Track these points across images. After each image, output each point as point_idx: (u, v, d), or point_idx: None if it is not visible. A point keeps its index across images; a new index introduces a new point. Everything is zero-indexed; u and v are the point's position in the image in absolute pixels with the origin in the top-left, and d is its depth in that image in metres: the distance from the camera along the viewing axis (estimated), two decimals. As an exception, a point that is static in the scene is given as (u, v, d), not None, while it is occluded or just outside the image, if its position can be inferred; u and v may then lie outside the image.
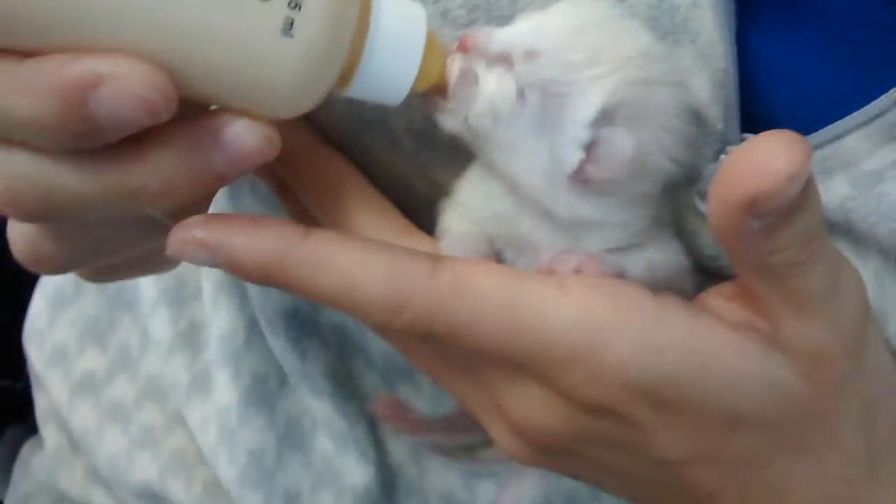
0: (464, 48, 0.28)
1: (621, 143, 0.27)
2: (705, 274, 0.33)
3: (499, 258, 0.31)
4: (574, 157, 0.27)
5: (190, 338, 0.50)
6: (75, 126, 0.23)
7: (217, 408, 0.47)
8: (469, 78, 0.28)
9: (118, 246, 0.32)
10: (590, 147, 0.27)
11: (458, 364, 0.31)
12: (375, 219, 0.33)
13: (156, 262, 0.36)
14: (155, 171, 0.25)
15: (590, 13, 0.28)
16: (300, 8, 0.24)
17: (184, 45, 0.23)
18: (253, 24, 0.24)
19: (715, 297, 0.29)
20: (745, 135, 0.30)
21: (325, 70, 0.25)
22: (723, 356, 0.27)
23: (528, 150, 0.28)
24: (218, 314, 0.48)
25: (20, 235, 0.30)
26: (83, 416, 0.52)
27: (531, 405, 0.28)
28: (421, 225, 0.33)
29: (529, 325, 0.27)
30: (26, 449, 0.57)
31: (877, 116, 0.28)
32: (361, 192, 0.33)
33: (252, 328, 0.47)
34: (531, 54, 0.27)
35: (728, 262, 0.33)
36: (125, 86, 0.23)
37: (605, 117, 0.27)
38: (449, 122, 0.29)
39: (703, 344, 0.27)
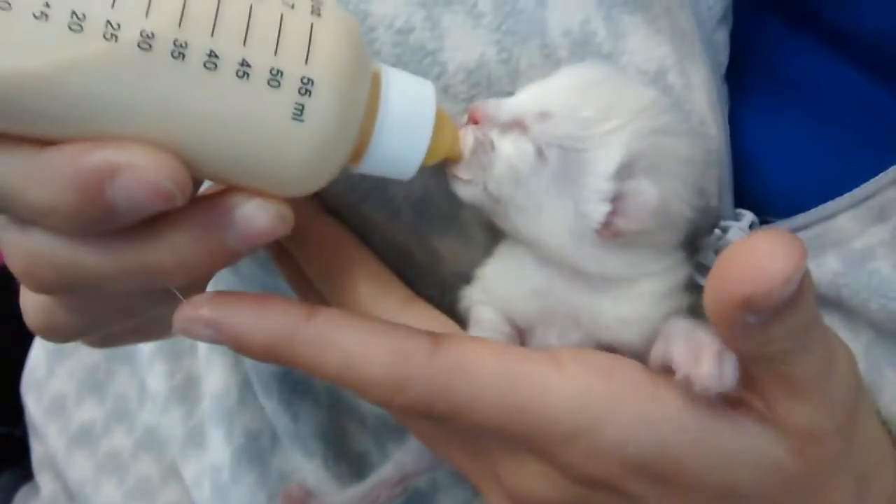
0: (474, 120, 0.29)
1: (647, 193, 0.28)
2: None
3: (523, 339, 0.32)
4: (599, 211, 0.28)
5: (186, 391, 0.51)
6: (92, 213, 0.24)
7: (210, 464, 0.48)
8: (485, 146, 0.29)
9: (129, 314, 0.33)
10: (614, 200, 0.28)
11: (458, 436, 0.31)
12: (376, 288, 0.33)
13: (159, 328, 0.37)
14: (170, 250, 0.26)
15: (592, 74, 0.29)
16: (311, 94, 0.25)
17: (196, 133, 0.24)
18: (264, 110, 0.24)
19: None
20: (739, 210, 0.31)
21: (335, 151, 0.26)
22: (718, 432, 0.27)
23: (552, 210, 0.28)
24: (212, 371, 0.49)
25: (34, 306, 0.31)
26: (80, 466, 0.52)
27: (530, 477, 0.29)
28: (420, 292, 0.34)
29: (529, 405, 0.27)
30: (21, 496, 0.58)
31: (867, 198, 0.29)
32: (362, 261, 0.34)
33: (245, 386, 0.48)
34: (543, 115, 0.28)
35: None
36: (141, 175, 0.23)
37: (626, 169, 0.27)
38: (467, 192, 0.30)
39: (698, 420, 0.27)
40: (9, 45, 0.22)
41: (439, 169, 0.33)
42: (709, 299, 0.25)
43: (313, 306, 0.27)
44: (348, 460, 0.47)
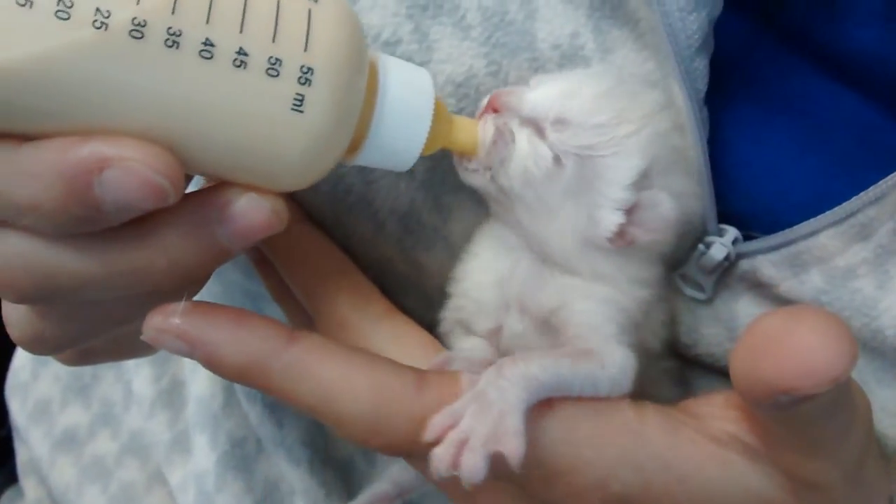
0: (494, 108, 0.29)
1: (664, 205, 0.28)
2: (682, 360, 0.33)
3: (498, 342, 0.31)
4: (614, 219, 0.28)
5: (172, 396, 0.51)
6: (79, 211, 0.22)
7: (195, 470, 0.47)
8: (505, 137, 0.29)
9: (116, 323, 0.31)
10: (629, 209, 0.28)
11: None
12: (356, 299, 0.33)
13: (139, 345, 0.36)
14: (161, 250, 0.25)
15: (605, 80, 0.29)
16: (310, 83, 0.24)
17: (191, 126, 0.23)
18: (262, 101, 0.23)
19: (706, 405, 0.29)
20: (723, 226, 0.31)
21: (334, 142, 0.25)
22: (702, 469, 0.27)
23: (562, 213, 0.28)
24: (197, 376, 0.48)
25: (17, 318, 0.30)
26: (64, 471, 0.52)
27: None
28: (402, 306, 0.33)
29: None
30: (6, 498, 0.57)
31: (849, 216, 0.29)
32: (344, 272, 0.34)
33: (230, 392, 0.48)
34: (561, 122, 0.28)
35: (703, 352, 0.34)
36: (132, 169, 0.22)
37: (643, 177, 0.28)
38: (475, 179, 0.30)
39: (682, 458, 0.27)
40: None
41: (426, 182, 0.33)
42: (738, 374, 0.24)
43: (294, 331, 0.26)
44: (333, 467, 0.46)
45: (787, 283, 0.30)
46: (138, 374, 0.52)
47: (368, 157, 0.27)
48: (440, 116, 0.27)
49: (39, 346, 0.30)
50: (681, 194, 0.29)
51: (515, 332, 0.31)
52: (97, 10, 0.22)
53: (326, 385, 0.26)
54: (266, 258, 0.35)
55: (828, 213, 0.29)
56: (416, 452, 0.26)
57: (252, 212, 0.25)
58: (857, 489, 0.27)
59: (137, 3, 0.22)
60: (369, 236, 0.35)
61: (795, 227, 0.30)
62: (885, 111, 0.30)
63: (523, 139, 0.28)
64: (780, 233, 0.30)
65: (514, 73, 0.31)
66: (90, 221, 0.23)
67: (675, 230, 0.29)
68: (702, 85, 0.29)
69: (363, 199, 0.34)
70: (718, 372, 0.33)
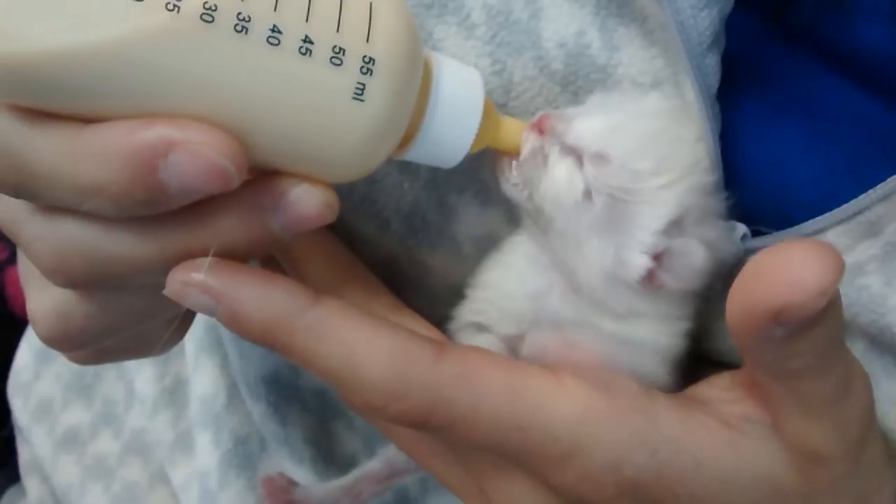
0: (540, 130, 0.29)
1: (695, 253, 0.28)
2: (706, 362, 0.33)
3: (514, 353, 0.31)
4: (642, 263, 0.28)
5: (175, 394, 0.51)
6: (143, 194, 0.22)
7: (198, 469, 0.47)
8: (538, 159, 0.29)
9: (146, 316, 0.31)
10: (659, 254, 0.28)
11: (445, 448, 0.31)
12: (363, 294, 0.33)
13: (154, 343, 0.35)
14: (214, 235, 0.24)
15: (656, 122, 0.29)
16: (371, 73, 0.24)
17: (254, 111, 0.23)
18: (325, 89, 0.24)
19: (712, 389, 0.29)
20: (731, 222, 0.31)
21: (391, 133, 0.25)
22: (716, 454, 0.27)
23: (590, 247, 0.28)
24: (199, 375, 0.48)
25: (45, 314, 0.29)
26: (66, 471, 0.52)
27: (518, 495, 0.29)
28: (405, 302, 0.33)
29: (529, 422, 0.26)
30: (8, 497, 0.57)
31: (857, 214, 0.29)
32: (350, 266, 0.34)
33: (233, 390, 0.48)
34: (601, 158, 0.28)
35: (711, 347, 0.34)
36: (198, 153, 0.22)
37: (675, 226, 0.28)
38: (513, 192, 0.30)
39: (695, 442, 0.27)
40: (65, 16, 0.21)
41: (430, 182, 0.33)
42: (733, 308, 0.24)
43: (319, 294, 0.26)
44: (337, 465, 0.46)
45: None
46: (141, 373, 0.52)
47: (419, 150, 0.27)
48: (489, 115, 0.28)
49: (66, 342, 0.30)
50: (713, 244, 0.29)
51: (540, 346, 0.31)
52: None
53: (349, 346, 0.25)
54: (271, 256, 0.34)
55: (836, 210, 0.29)
56: (429, 425, 0.26)
57: (306, 201, 0.25)
58: (859, 471, 0.27)
59: None
60: (374, 236, 0.35)
61: (804, 224, 0.30)
62: (893, 109, 0.30)
63: (561, 167, 0.28)
64: (789, 230, 0.30)
65: (519, 73, 0.31)
66: (153, 204, 0.23)
67: (706, 277, 0.29)
68: (713, 81, 0.29)
69: (367, 199, 0.34)
70: (725, 367, 0.33)
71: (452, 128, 0.27)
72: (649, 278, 0.28)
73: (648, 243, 0.28)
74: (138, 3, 0.22)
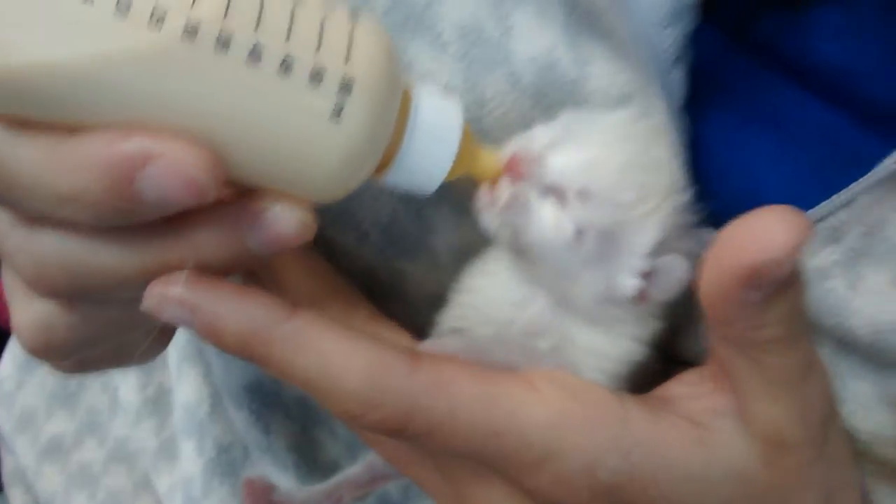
0: (516, 174, 0.28)
1: (678, 268, 0.28)
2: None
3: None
4: (632, 284, 0.29)
5: (158, 403, 0.51)
6: (119, 203, 0.23)
7: (182, 477, 0.48)
8: (520, 205, 0.29)
9: (128, 328, 0.31)
10: (648, 274, 0.28)
11: (423, 455, 0.31)
12: (342, 304, 0.33)
13: (136, 353, 0.35)
14: (192, 249, 0.25)
15: (628, 148, 0.29)
16: (350, 94, 0.24)
17: (233, 129, 0.23)
18: (303, 108, 0.24)
19: (681, 386, 0.30)
20: (702, 228, 0.31)
21: (369, 155, 0.26)
22: (686, 454, 0.27)
23: (581, 277, 0.29)
24: (182, 384, 0.48)
25: (29, 324, 0.29)
26: (50, 480, 0.52)
27: (495, 500, 0.29)
28: (384, 311, 0.34)
29: (504, 429, 0.27)
30: (-8, 507, 0.58)
31: (820, 220, 0.30)
32: (329, 277, 0.34)
33: (216, 398, 0.48)
34: (585, 194, 0.28)
35: (682, 350, 0.34)
36: (175, 166, 0.22)
37: (661, 245, 0.28)
38: (494, 230, 0.30)
39: (666, 443, 0.27)
40: (50, 30, 0.22)
41: (408, 194, 0.33)
42: (707, 279, 0.25)
43: (295, 306, 0.26)
44: (321, 471, 0.47)
45: None
46: (124, 382, 0.52)
47: (396, 175, 0.27)
48: (467, 143, 0.28)
49: (51, 353, 0.30)
50: (694, 253, 0.29)
51: (507, 342, 0.31)
52: (153, 10, 0.22)
53: (325, 357, 0.26)
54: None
55: None
56: (406, 433, 0.27)
57: (283, 221, 0.25)
58: (824, 463, 0.28)
59: (192, 6, 0.23)
60: (352, 247, 0.36)
61: None
62: (852, 120, 0.31)
63: (546, 210, 0.28)
64: (804, 213, 0.30)
65: (491, 89, 0.31)
66: (129, 214, 0.23)
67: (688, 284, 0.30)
68: (679, 95, 0.30)
69: (346, 211, 0.35)
70: None
71: (430, 154, 0.27)
72: (640, 296, 0.29)
73: (637, 266, 0.28)
74: (122, 19, 0.22)
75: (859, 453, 0.31)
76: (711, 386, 0.29)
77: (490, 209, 0.29)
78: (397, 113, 0.26)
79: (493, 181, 0.29)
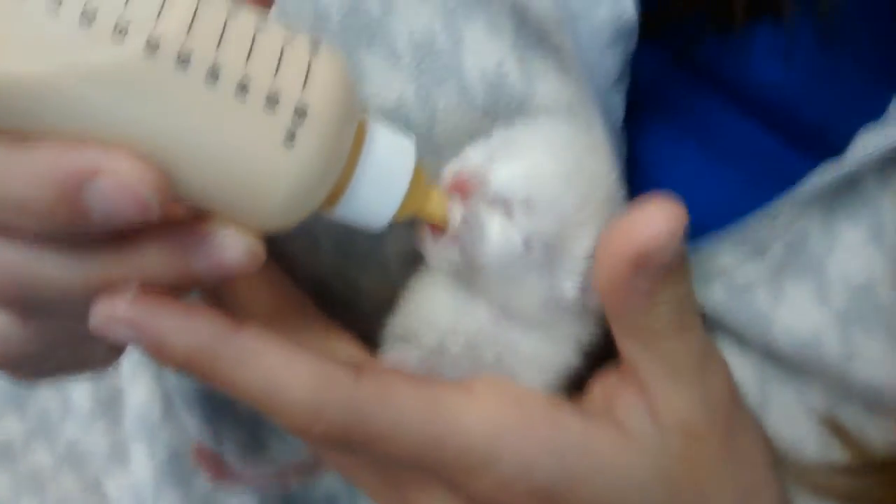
0: (462, 193, 0.29)
1: None
2: None
3: (436, 367, 0.32)
4: (574, 288, 0.30)
5: (110, 406, 0.51)
6: (65, 215, 0.23)
7: (133, 481, 0.48)
8: (474, 224, 0.29)
9: (80, 341, 0.32)
10: (585, 276, 0.30)
11: (369, 463, 0.32)
12: (293, 312, 0.34)
13: (94, 362, 0.36)
14: (137, 267, 0.25)
15: (571, 154, 0.30)
16: (303, 122, 0.24)
17: (184, 147, 0.23)
18: (256, 131, 0.24)
19: (600, 387, 0.31)
20: None
21: (319, 185, 0.26)
22: (614, 457, 0.29)
23: (529, 284, 0.30)
24: (135, 387, 0.48)
25: None
26: (0, 485, 0.52)
27: None
28: (336, 320, 0.34)
29: (445, 436, 0.28)
30: (-59, 512, 0.57)
31: (743, 235, 0.31)
32: (281, 287, 0.34)
33: (168, 402, 0.48)
34: (528, 205, 0.29)
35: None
36: (122, 181, 0.23)
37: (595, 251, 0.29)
38: (441, 258, 0.30)
39: (595, 447, 0.29)
40: (15, 42, 0.22)
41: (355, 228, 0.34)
42: (601, 270, 0.28)
43: (240, 321, 0.27)
44: (271, 476, 0.47)
45: None
46: (77, 384, 0.52)
47: (345, 209, 0.28)
48: (418, 183, 0.28)
49: (6, 365, 0.31)
50: None
51: (453, 353, 0.32)
52: (116, 23, 0.22)
53: (271, 372, 0.26)
54: None
55: (726, 229, 0.31)
56: (351, 444, 0.27)
57: (231, 247, 0.25)
58: (735, 457, 0.30)
59: (156, 22, 0.23)
60: (304, 257, 0.36)
61: (699, 244, 0.32)
62: (783, 140, 0.32)
63: (494, 223, 0.29)
64: (686, 247, 0.32)
65: (443, 101, 0.32)
66: (75, 225, 0.24)
67: None
68: (618, 115, 0.31)
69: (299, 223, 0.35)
70: None
71: (380, 190, 0.27)
72: (580, 299, 0.30)
73: (577, 271, 0.29)
74: (84, 31, 0.22)
75: (781, 461, 0.32)
76: (624, 384, 0.30)
77: (437, 243, 0.30)
78: (351, 144, 0.26)
79: (441, 226, 0.30)
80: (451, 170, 0.30)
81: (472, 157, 0.30)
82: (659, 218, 0.26)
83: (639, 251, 0.26)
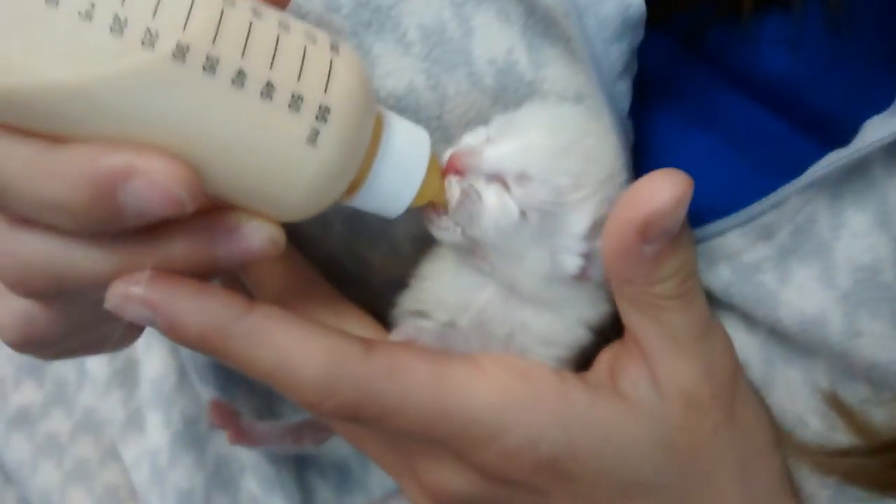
0: (455, 169, 0.30)
1: None
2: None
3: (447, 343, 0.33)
4: (575, 263, 0.31)
5: (126, 375, 0.52)
6: (101, 213, 0.24)
7: (149, 447, 0.49)
8: (472, 199, 0.30)
9: (103, 322, 0.32)
10: (586, 253, 0.30)
11: (379, 434, 0.33)
12: (308, 293, 0.34)
13: (112, 341, 0.36)
14: (164, 257, 0.26)
15: (567, 131, 0.31)
16: (326, 121, 0.25)
17: (213, 147, 0.24)
18: (281, 132, 0.25)
19: (606, 360, 0.32)
20: None
21: (339, 179, 0.27)
22: (619, 427, 0.30)
23: (530, 257, 0.31)
24: (150, 357, 0.50)
25: (10, 320, 0.31)
26: (17, 448, 0.53)
27: (445, 474, 0.31)
28: (346, 296, 0.35)
29: (453, 408, 0.29)
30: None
31: (752, 219, 0.31)
32: (296, 266, 0.35)
33: (183, 372, 0.49)
34: (523, 178, 0.30)
35: None
36: (156, 181, 0.23)
37: (594, 229, 0.30)
38: (447, 236, 0.31)
39: (601, 418, 0.30)
40: (49, 49, 0.23)
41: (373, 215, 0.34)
42: (608, 237, 0.29)
43: (253, 300, 0.28)
44: (284, 444, 0.48)
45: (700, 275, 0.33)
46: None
47: (364, 198, 0.29)
48: (433, 171, 0.29)
49: (31, 346, 0.32)
50: None
51: (464, 329, 0.33)
52: (146, 31, 0.23)
53: (283, 349, 0.27)
54: None
55: (734, 215, 0.32)
56: (363, 417, 0.28)
57: (255, 236, 0.26)
58: (735, 429, 0.31)
59: (184, 29, 0.24)
60: (317, 237, 0.37)
61: (706, 227, 0.32)
62: (791, 126, 0.32)
63: (491, 196, 0.30)
64: (696, 229, 0.32)
65: (453, 87, 0.33)
66: (109, 223, 0.24)
67: None
68: (624, 104, 0.31)
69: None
70: None
71: (397, 180, 0.29)
72: (582, 273, 0.31)
73: (577, 247, 0.30)
74: (116, 39, 0.23)
75: (783, 437, 0.33)
76: (628, 356, 0.31)
77: (440, 219, 0.31)
78: (369, 140, 0.28)
79: (441, 204, 0.31)
80: (448, 152, 0.31)
81: (468, 140, 0.31)
82: (666, 186, 0.27)
83: (646, 217, 0.27)
